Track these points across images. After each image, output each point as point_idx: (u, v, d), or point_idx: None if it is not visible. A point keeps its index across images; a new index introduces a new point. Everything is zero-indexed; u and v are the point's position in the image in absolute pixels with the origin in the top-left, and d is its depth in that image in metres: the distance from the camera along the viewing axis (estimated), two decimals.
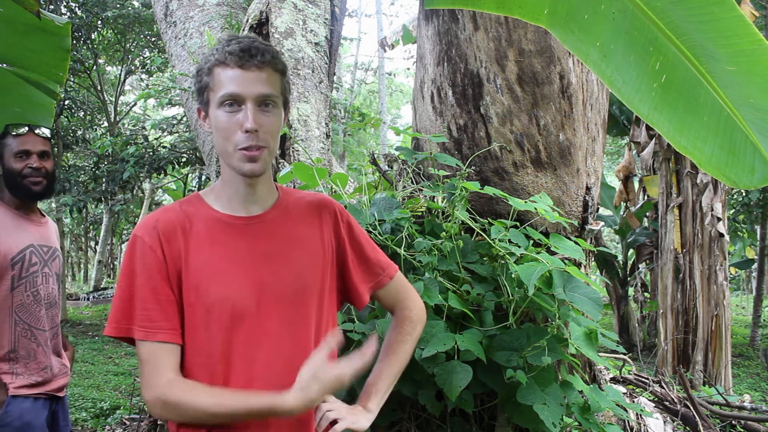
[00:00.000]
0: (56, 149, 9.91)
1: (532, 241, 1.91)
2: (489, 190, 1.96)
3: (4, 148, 2.09)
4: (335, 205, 1.33)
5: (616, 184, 8.60)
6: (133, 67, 11.41)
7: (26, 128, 2.14)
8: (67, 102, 9.39)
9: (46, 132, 2.19)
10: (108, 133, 11.16)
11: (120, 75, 12.00)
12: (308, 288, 1.21)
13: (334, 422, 1.19)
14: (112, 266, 17.92)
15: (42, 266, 2.10)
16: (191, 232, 1.17)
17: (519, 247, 1.83)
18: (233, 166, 1.15)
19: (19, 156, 2.08)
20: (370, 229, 1.88)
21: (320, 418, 1.19)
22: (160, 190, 15.47)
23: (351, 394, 1.69)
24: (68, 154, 12.02)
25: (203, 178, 9.95)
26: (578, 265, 2.21)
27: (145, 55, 10.86)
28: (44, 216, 2.24)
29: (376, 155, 2.51)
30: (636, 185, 8.40)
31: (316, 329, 1.23)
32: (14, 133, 2.12)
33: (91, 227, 17.59)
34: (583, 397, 1.98)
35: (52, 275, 2.15)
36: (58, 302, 2.21)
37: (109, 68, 13.15)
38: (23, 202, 2.12)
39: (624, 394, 2.94)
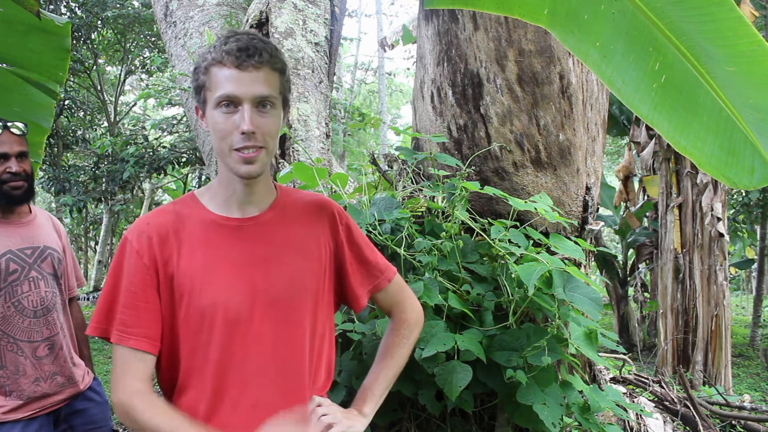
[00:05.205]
0: (56, 149, 9.91)
1: (532, 241, 1.91)
2: (489, 190, 1.96)
3: None
4: (334, 206, 1.31)
5: (616, 184, 8.60)
6: (133, 67, 11.42)
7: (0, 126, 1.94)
8: (67, 102, 9.39)
9: (21, 126, 2.03)
10: (108, 133, 11.17)
11: (120, 75, 12.01)
12: (303, 291, 1.20)
13: (329, 426, 1.17)
14: None
15: (26, 272, 1.95)
16: (184, 235, 1.15)
17: (519, 247, 1.83)
18: (230, 167, 1.14)
19: None
20: (370, 229, 1.88)
21: (315, 421, 1.18)
22: (160, 190, 15.46)
23: (351, 394, 1.69)
24: (68, 154, 12.02)
25: (203, 178, 9.95)
26: (578, 265, 2.21)
27: (145, 55, 10.87)
28: (31, 212, 2.09)
29: (376, 155, 2.51)
30: (636, 185, 8.40)
31: (311, 332, 1.22)
32: None
33: (91, 227, 17.57)
34: (583, 397, 1.98)
35: (44, 277, 2.00)
36: (58, 304, 2.05)
37: (109, 68, 13.15)
38: (0, 206, 1.98)
39: (624, 394, 2.94)
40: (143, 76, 12.07)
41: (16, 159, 1.96)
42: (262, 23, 2.97)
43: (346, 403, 1.31)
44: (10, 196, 1.96)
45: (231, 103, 1.10)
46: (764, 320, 10.89)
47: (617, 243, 11.63)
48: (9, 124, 1.97)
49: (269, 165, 1.21)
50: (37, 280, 1.98)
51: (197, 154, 8.41)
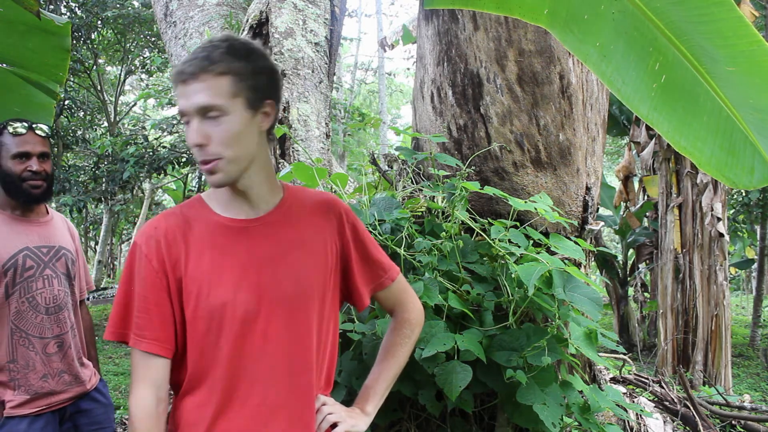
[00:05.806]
0: (56, 149, 9.91)
1: (532, 241, 1.91)
2: (489, 190, 1.96)
3: (0, 147, 1.97)
4: (341, 205, 1.31)
5: (616, 184, 8.59)
6: (133, 67, 11.42)
7: (25, 125, 1.99)
8: (67, 102, 9.39)
9: (45, 129, 2.05)
10: (108, 133, 11.17)
11: (120, 75, 12.01)
12: (309, 290, 1.21)
13: (334, 425, 1.22)
14: (112, 266, 17.90)
15: (41, 269, 2.00)
16: (191, 237, 1.16)
17: (519, 247, 1.83)
18: None
19: (18, 158, 1.97)
20: (370, 229, 1.88)
21: (321, 420, 1.21)
22: (160, 190, 15.47)
23: (351, 394, 1.69)
24: (68, 154, 12.02)
25: (203, 178, 9.95)
26: (578, 265, 2.21)
27: (145, 55, 10.86)
28: (48, 213, 2.13)
29: (376, 155, 2.51)
30: (636, 185, 8.39)
31: (318, 331, 1.23)
32: (12, 132, 1.97)
33: (91, 227, 17.58)
34: (583, 397, 1.98)
35: (57, 276, 2.04)
36: (69, 304, 2.09)
37: (109, 68, 13.15)
38: (19, 204, 2.02)
39: (624, 394, 2.94)
40: (143, 76, 12.07)
41: (37, 159, 2.01)
42: (262, 23, 2.97)
43: (346, 403, 1.33)
44: (29, 194, 2.00)
45: (184, 118, 1.11)
46: (764, 320, 10.89)
47: (617, 243, 11.63)
48: (34, 125, 2.02)
49: (260, 170, 1.17)
50: (51, 278, 2.03)
51: None
